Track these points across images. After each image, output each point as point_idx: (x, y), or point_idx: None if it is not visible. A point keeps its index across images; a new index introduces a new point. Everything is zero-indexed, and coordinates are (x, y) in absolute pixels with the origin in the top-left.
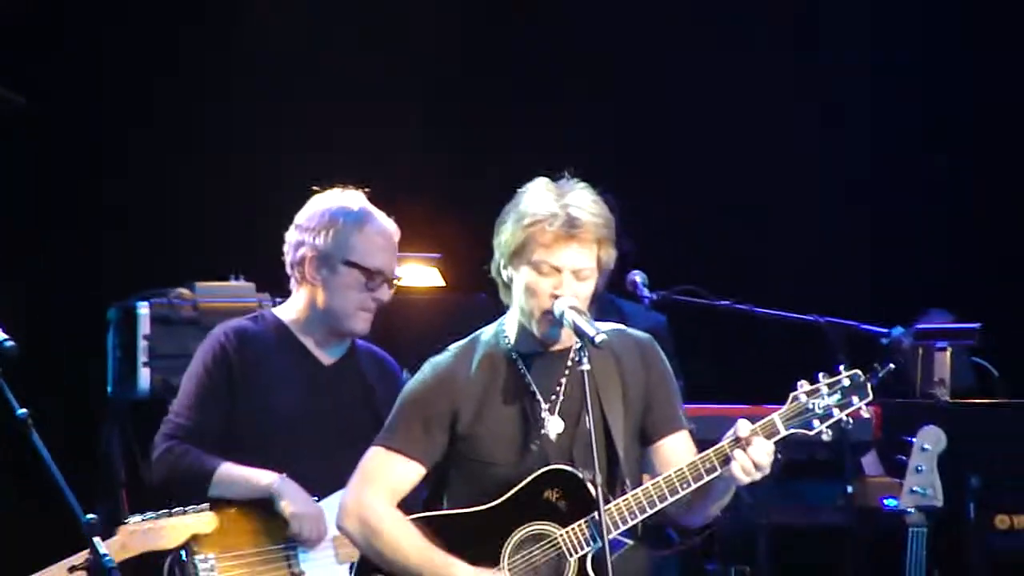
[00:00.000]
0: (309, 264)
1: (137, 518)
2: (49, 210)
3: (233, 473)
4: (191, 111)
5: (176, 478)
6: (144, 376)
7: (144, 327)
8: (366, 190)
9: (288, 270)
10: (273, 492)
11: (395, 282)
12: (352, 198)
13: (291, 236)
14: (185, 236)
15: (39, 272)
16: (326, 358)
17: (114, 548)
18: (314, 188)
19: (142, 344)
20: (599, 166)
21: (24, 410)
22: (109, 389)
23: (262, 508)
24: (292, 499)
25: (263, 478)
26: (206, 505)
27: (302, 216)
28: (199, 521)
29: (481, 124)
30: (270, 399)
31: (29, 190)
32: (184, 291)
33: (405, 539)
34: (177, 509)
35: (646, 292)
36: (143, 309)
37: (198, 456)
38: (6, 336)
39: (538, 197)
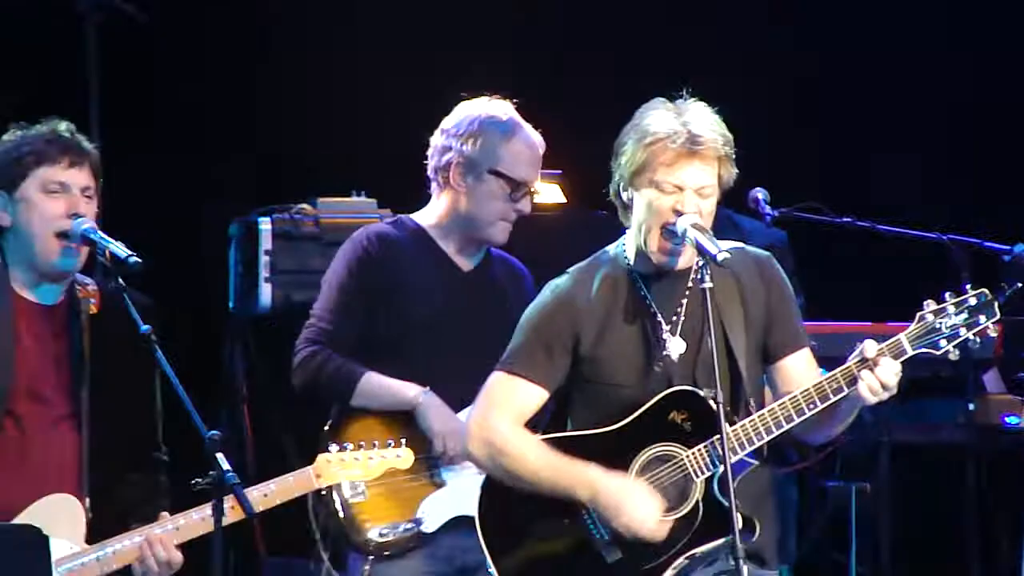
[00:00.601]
0: (454, 170)
1: (335, 448)
2: (172, 128)
3: (377, 384)
4: (315, 30)
5: (320, 384)
6: (266, 292)
7: (266, 242)
8: (514, 101)
9: (431, 174)
10: (417, 406)
11: (535, 194)
12: (501, 107)
13: (437, 140)
14: (308, 151)
15: (162, 188)
16: (465, 264)
17: (311, 476)
18: (463, 94)
19: (264, 259)
20: (721, 84)
21: (147, 326)
22: (231, 304)
23: (404, 418)
24: (435, 415)
25: (407, 391)
26: (403, 442)
27: (450, 122)
28: (398, 457)
29: (603, 40)
30: (410, 303)
31: (152, 108)
32: (306, 207)
33: (532, 453)
34: (376, 443)
35: (768, 209)
36: (265, 224)
37: (342, 363)
38: (130, 252)
39: (658, 116)
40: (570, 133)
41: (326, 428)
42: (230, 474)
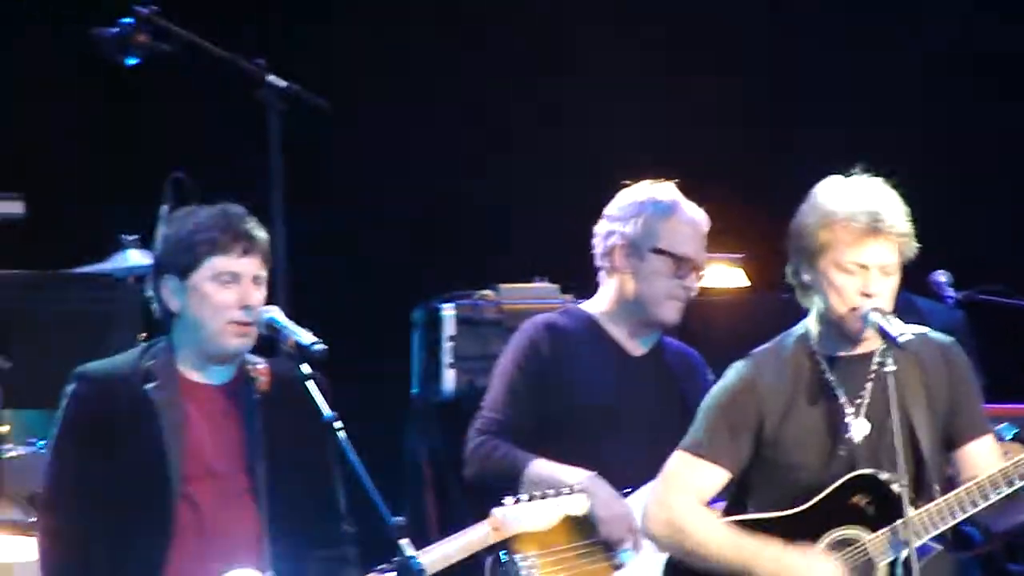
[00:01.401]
0: (619, 253)
1: (510, 500)
2: (354, 214)
3: (543, 472)
4: (493, 113)
5: (488, 474)
6: (449, 377)
7: (449, 328)
8: (676, 181)
9: (598, 261)
10: (582, 493)
11: (703, 273)
12: (662, 189)
13: (601, 227)
14: (489, 238)
15: (347, 275)
16: (636, 349)
17: (488, 531)
18: (624, 182)
19: (447, 345)
20: (903, 163)
21: (332, 413)
22: (414, 390)
23: None
24: (600, 502)
25: (571, 477)
26: (573, 487)
27: (612, 207)
28: (573, 502)
29: (785, 122)
30: (581, 392)
31: (333, 194)
32: (488, 293)
33: (714, 532)
34: (550, 491)
35: (950, 292)
36: (448, 311)
37: (509, 452)
38: (315, 339)
39: (838, 196)
40: (753, 215)
41: None
42: (415, 560)
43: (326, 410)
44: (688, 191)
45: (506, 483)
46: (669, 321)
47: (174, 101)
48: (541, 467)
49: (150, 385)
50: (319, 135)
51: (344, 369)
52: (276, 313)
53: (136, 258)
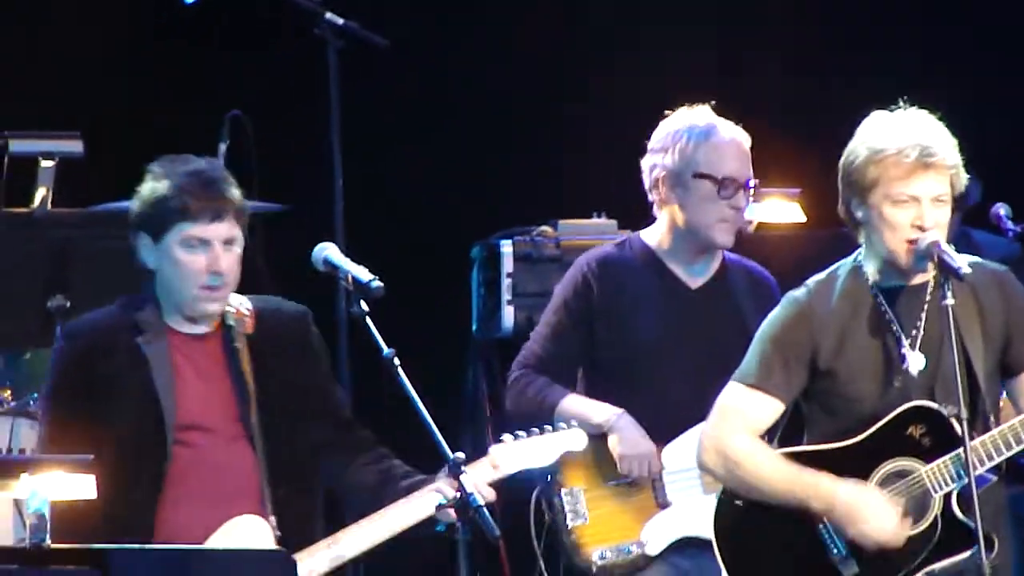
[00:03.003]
0: (664, 184)
1: (509, 437)
2: (413, 150)
3: (572, 409)
4: (549, 48)
5: (522, 408)
6: (508, 314)
7: (507, 265)
8: (711, 103)
9: (649, 196)
10: (605, 429)
11: (751, 190)
12: (697, 114)
13: (645, 161)
14: (547, 174)
15: (405, 211)
16: (693, 281)
17: (486, 467)
18: (665, 112)
19: (506, 282)
20: (957, 96)
21: (390, 349)
22: (473, 327)
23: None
24: (621, 439)
25: (597, 415)
26: (574, 423)
27: (653, 139)
28: (571, 438)
29: (839, 52)
30: (632, 326)
31: (390, 130)
32: (547, 229)
33: (767, 464)
34: (548, 427)
35: (1010, 224)
36: (506, 247)
37: (543, 387)
38: (372, 276)
39: (885, 130)
40: (809, 150)
41: None
42: (473, 496)
43: (383, 347)
44: (742, 125)
45: (540, 417)
46: (722, 244)
47: (233, 39)
48: (571, 403)
49: (140, 338)
50: (375, 73)
51: (403, 306)
52: (333, 251)
53: None
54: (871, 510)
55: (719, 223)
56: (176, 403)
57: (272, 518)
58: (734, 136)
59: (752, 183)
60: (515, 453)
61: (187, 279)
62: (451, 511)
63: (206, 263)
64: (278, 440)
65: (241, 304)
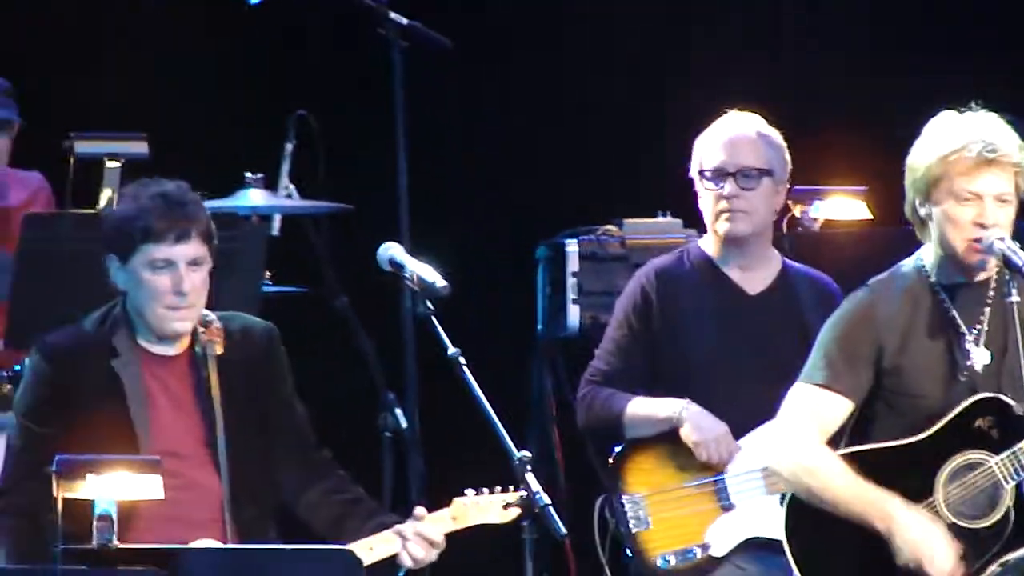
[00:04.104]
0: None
1: (471, 492)
2: (478, 149)
3: (639, 412)
4: (615, 47)
5: (593, 422)
6: (573, 313)
7: (572, 264)
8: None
9: None
10: (675, 422)
11: (741, 173)
12: (726, 117)
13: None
14: (614, 173)
15: (469, 211)
16: (753, 287)
17: (446, 518)
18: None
19: (571, 281)
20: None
21: (456, 349)
22: (539, 327)
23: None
24: (694, 425)
25: (664, 410)
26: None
27: None
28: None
29: (908, 53)
30: (691, 336)
31: (458, 130)
32: (612, 228)
33: (838, 476)
34: (510, 487)
35: None
36: (571, 246)
37: (609, 397)
38: (437, 276)
39: (950, 129)
40: (875, 147)
41: (610, 463)
42: (539, 495)
43: (449, 346)
44: (809, 124)
45: (610, 427)
46: (725, 234)
47: (298, 39)
48: (637, 406)
49: (115, 360)
50: (440, 72)
51: (468, 306)
52: (398, 250)
53: (258, 197)
54: (930, 547)
55: (716, 215)
56: (150, 432)
57: (230, 544)
58: (727, 127)
59: (755, 169)
60: (475, 508)
61: (153, 299)
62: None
63: (171, 284)
64: (243, 463)
65: (211, 324)
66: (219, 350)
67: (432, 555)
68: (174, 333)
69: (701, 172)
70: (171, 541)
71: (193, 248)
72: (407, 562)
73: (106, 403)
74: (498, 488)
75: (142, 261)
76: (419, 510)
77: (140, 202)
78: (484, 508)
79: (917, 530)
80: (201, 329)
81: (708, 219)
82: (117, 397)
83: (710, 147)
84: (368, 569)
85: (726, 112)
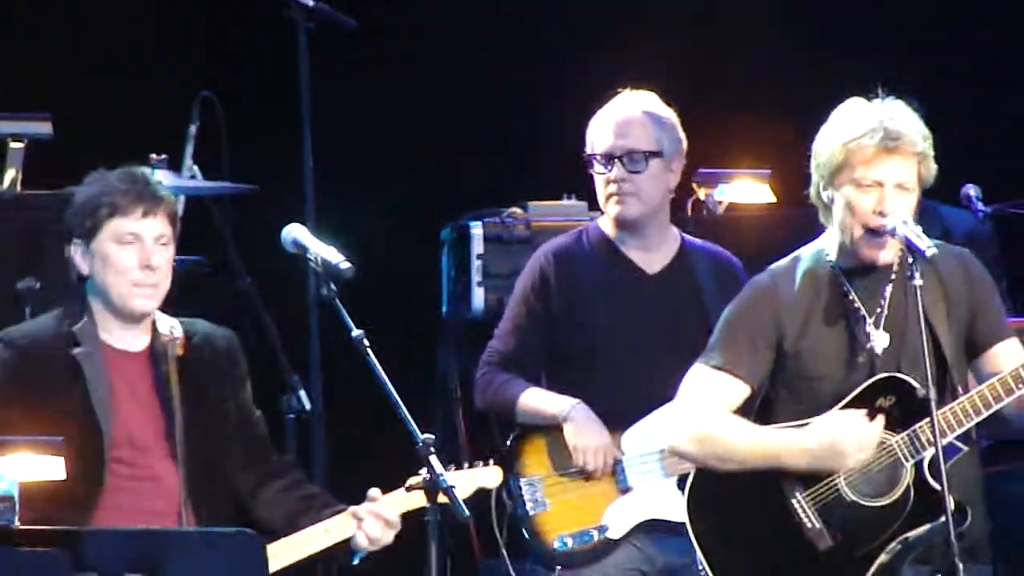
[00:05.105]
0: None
1: (424, 471)
2: (383, 132)
3: (530, 404)
4: (520, 30)
5: (488, 405)
6: (478, 295)
7: (478, 246)
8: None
9: None
10: (561, 420)
11: (628, 156)
12: (616, 99)
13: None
14: (518, 155)
15: (374, 193)
16: (652, 265)
17: (401, 497)
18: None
19: (476, 263)
20: (932, 81)
21: (360, 331)
22: (444, 309)
23: None
24: (575, 430)
25: (552, 407)
26: (491, 461)
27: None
28: (487, 475)
29: (812, 36)
30: (590, 314)
31: (363, 112)
32: (516, 210)
33: (737, 433)
34: (465, 463)
35: (980, 205)
36: (476, 229)
37: (504, 384)
38: (342, 258)
39: (854, 115)
40: (780, 131)
41: (508, 444)
42: (442, 477)
43: (353, 328)
44: (715, 107)
45: (503, 413)
46: (616, 216)
47: (205, 19)
48: (529, 398)
49: (77, 350)
50: (346, 54)
51: (373, 288)
52: (302, 232)
53: (163, 178)
54: (847, 435)
55: (607, 198)
56: (112, 420)
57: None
58: (614, 110)
59: (641, 151)
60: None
61: (119, 275)
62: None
63: (138, 258)
64: (201, 459)
65: (172, 328)
66: (179, 351)
67: (389, 536)
68: (140, 312)
69: (591, 156)
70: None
71: (160, 225)
72: (363, 542)
73: (68, 391)
74: (466, 465)
75: (109, 236)
76: (373, 491)
77: (106, 181)
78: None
79: (825, 431)
80: (162, 333)
81: (600, 201)
82: (79, 385)
83: (599, 130)
84: (325, 552)
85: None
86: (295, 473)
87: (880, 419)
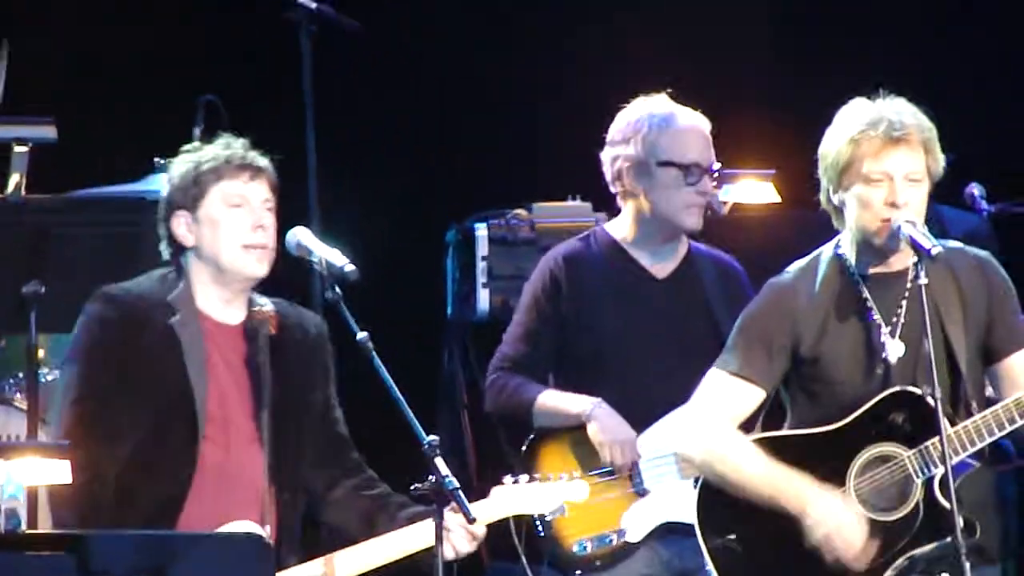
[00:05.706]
0: (627, 175)
1: (509, 479)
2: (387, 134)
3: (548, 404)
4: (522, 30)
5: (502, 409)
6: (483, 297)
7: (482, 248)
8: (668, 91)
9: (611, 188)
10: (584, 419)
11: (715, 174)
12: (655, 102)
13: (605, 154)
14: (523, 157)
15: (378, 195)
16: (661, 271)
17: (488, 507)
18: (621, 106)
19: (480, 265)
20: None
21: (364, 333)
22: (448, 311)
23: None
24: (601, 427)
25: (574, 406)
26: (577, 475)
27: (612, 131)
28: (574, 489)
29: (816, 36)
30: (599, 318)
31: (364, 114)
32: (521, 212)
33: (748, 461)
34: (551, 476)
35: (984, 204)
36: (481, 230)
37: (519, 387)
38: (347, 261)
39: (858, 112)
40: (784, 131)
41: (523, 449)
42: (449, 479)
43: (357, 330)
44: (719, 107)
45: (519, 415)
46: (691, 228)
47: (207, 23)
48: (548, 398)
49: (175, 319)
50: (349, 56)
51: (377, 290)
52: (306, 235)
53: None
54: (841, 529)
55: (687, 208)
56: (207, 393)
57: (267, 527)
58: (695, 122)
59: (716, 167)
60: (516, 497)
61: (230, 237)
62: (459, 544)
63: (249, 220)
64: (284, 447)
65: (265, 305)
66: (272, 330)
67: (473, 547)
68: (251, 275)
69: (671, 163)
70: (216, 515)
71: (265, 189)
72: (449, 554)
73: (164, 359)
74: (537, 476)
75: (217, 199)
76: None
77: (204, 152)
78: (525, 497)
79: (828, 510)
80: (258, 307)
81: (670, 210)
82: (175, 354)
83: (682, 140)
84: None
85: (640, 96)
86: (367, 473)
87: (864, 530)
